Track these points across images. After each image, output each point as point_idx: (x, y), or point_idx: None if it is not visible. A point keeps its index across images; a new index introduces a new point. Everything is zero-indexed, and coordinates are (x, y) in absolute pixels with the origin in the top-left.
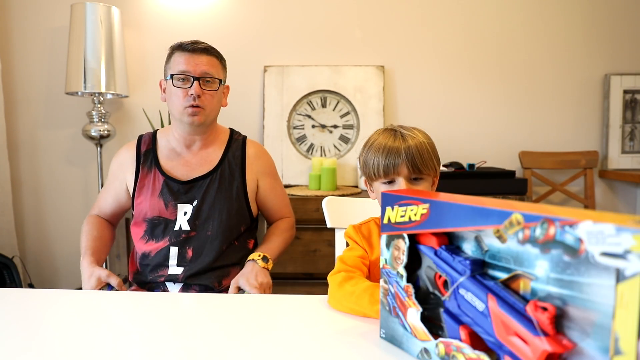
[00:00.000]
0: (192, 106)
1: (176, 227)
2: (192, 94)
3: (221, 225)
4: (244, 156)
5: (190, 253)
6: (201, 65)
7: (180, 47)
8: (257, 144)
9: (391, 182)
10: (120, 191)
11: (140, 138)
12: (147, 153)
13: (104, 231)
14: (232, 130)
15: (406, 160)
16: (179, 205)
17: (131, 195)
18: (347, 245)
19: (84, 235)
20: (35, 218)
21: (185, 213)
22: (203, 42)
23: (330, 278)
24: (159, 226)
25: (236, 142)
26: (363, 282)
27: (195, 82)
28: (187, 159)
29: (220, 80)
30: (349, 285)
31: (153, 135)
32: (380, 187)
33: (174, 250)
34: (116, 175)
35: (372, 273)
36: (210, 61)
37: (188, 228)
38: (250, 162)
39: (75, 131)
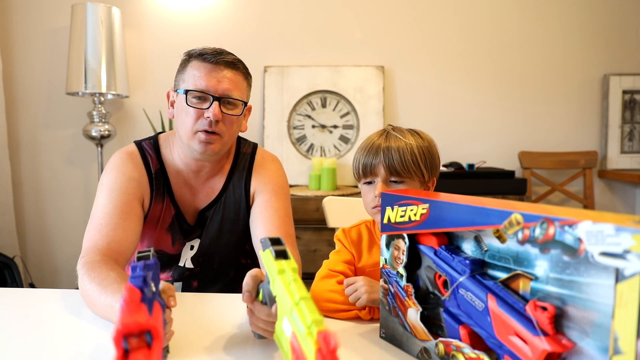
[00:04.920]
0: (207, 132)
1: (180, 263)
2: (208, 117)
3: (227, 257)
4: (249, 172)
5: (195, 284)
6: (224, 82)
7: (200, 56)
8: (267, 158)
9: (371, 182)
10: (140, 212)
11: (142, 151)
12: (157, 176)
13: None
14: (239, 141)
15: (383, 161)
16: (187, 243)
17: None
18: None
19: (105, 287)
20: (36, 218)
21: (192, 247)
22: (229, 53)
23: (314, 286)
24: (160, 260)
25: (243, 159)
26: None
27: (215, 103)
28: (193, 185)
29: (245, 103)
30: (334, 296)
31: (156, 150)
32: (362, 187)
33: (177, 285)
34: (134, 195)
35: None
36: (236, 78)
37: (192, 266)
38: (252, 182)
39: (75, 131)
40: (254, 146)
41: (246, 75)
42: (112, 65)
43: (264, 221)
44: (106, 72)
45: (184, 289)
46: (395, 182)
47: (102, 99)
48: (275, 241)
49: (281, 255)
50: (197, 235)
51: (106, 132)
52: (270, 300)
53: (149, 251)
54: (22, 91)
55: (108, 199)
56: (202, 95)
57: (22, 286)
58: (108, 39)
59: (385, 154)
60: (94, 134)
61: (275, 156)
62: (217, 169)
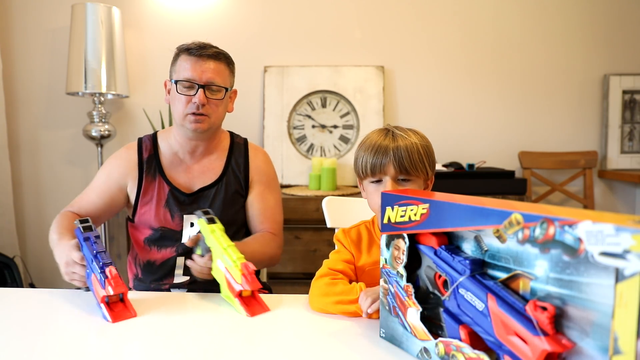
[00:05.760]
0: (196, 114)
1: (183, 239)
2: (195, 102)
3: (228, 233)
4: (247, 163)
5: None
6: (207, 72)
7: (187, 51)
8: (259, 148)
9: (379, 181)
10: (115, 195)
11: (140, 142)
12: (149, 160)
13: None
14: (231, 134)
15: (393, 160)
16: (185, 216)
17: (133, 203)
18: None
19: (57, 226)
20: (36, 218)
21: (192, 224)
22: (212, 47)
23: (313, 283)
24: (164, 237)
25: (238, 148)
26: (346, 286)
27: (200, 90)
28: (189, 165)
29: (227, 89)
30: (333, 289)
31: (154, 139)
32: (368, 186)
33: (180, 261)
34: (113, 178)
35: (360, 279)
36: (218, 68)
37: None
38: (251, 168)
39: (75, 131)
40: (245, 139)
41: (228, 64)
42: (112, 65)
43: (258, 211)
44: (106, 72)
45: (185, 267)
46: (403, 180)
47: (102, 99)
48: (206, 212)
49: (212, 221)
50: (194, 209)
51: (106, 132)
52: (206, 252)
53: (88, 220)
54: (22, 91)
55: (97, 179)
56: (190, 84)
57: (22, 286)
58: (108, 39)
59: (395, 153)
60: (94, 134)
61: (263, 149)
62: (210, 148)
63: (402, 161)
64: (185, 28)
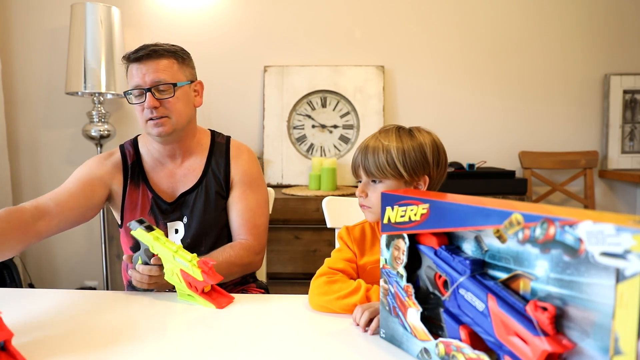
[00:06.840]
0: (153, 118)
1: None
2: (147, 107)
3: (213, 241)
4: (228, 162)
5: None
6: (149, 73)
7: (127, 59)
8: (242, 147)
9: (360, 181)
10: (96, 188)
11: (122, 148)
12: (133, 166)
13: (13, 232)
14: (213, 133)
15: (361, 162)
16: (168, 223)
17: (120, 208)
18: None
19: None
20: None
21: (177, 231)
22: (150, 45)
23: (313, 281)
24: None
25: (219, 147)
26: (345, 283)
27: (148, 94)
28: (170, 169)
29: (175, 84)
30: (331, 287)
31: (135, 145)
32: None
33: None
34: (96, 172)
35: (361, 277)
36: (160, 65)
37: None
38: (232, 168)
39: (75, 131)
40: (227, 137)
41: (175, 57)
42: (112, 65)
43: (237, 212)
44: (105, 71)
45: None
46: (374, 182)
47: (102, 98)
48: (140, 222)
49: (150, 228)
50: (177, 217)
51: (105, 132)
52: (149, 257)
53: None
54: (22, 91)
55: (76, 172)
56: (139, 92)
57: (21, 286)
58: (107, 39)
59: (363, 156)
60: (93, 133)
61: (248, 147)
62: (189, 149)
63: (368, 164)
64: (185, 28)
